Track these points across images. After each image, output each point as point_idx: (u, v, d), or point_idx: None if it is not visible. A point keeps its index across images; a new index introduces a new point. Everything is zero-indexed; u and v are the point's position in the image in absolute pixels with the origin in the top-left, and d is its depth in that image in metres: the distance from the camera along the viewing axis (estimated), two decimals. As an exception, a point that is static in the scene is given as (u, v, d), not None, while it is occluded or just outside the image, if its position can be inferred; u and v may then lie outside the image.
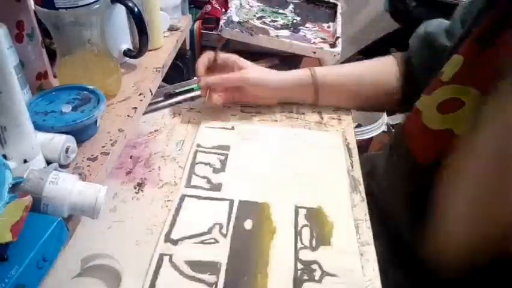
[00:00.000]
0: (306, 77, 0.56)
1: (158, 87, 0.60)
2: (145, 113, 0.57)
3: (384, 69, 0.57)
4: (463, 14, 0.49)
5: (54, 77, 0.46)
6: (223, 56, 0.57)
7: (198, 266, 0.38)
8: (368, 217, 0.44)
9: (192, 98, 0.63)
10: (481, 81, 0.38)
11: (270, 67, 0.72)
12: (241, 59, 0.57)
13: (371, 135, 1.16)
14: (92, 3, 0.40)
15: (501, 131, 0.32)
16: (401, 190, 0.49)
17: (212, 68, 0.56)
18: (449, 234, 0.37)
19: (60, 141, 0.35)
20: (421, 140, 0.45)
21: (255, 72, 0.55)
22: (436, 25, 0.53)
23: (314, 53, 0.68)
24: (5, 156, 0.31)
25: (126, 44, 0.53)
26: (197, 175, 0.49)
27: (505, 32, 0.37)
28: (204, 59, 0.56)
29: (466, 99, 0.40)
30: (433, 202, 0.39)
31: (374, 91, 0.57)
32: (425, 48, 0.53)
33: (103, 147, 0.40)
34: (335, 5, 0.86)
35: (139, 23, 0.47)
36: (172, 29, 0.64)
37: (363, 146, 1.18)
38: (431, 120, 0.43)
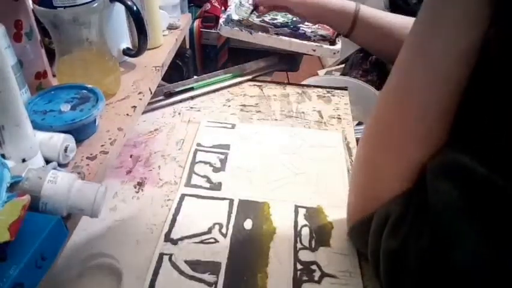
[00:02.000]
0: (350, 8, 0.58)
1: (158, 86, 0.60)
2: (144, 112, 0.56)
3: None
4: None
5: (54, 76, 0.46)
6: None
7: (197, 265, 0.38)
8: (368, 216, 0.44)
9: (192, 97, 0.62)
10: None
11: (270, 66, 0.72)
12: None
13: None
14: (90, 1, 0.40)
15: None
16: None
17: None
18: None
19: (59, 140, 0.35)
20: None
21: None
22: None
23: (314, 50, 0.68)
24: (3, 155, 0.31)
25: (125, 43, 0.53)
26: (197, 174, 0.49)
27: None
28: None
29: None
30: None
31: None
32: None
33: (102, 146, 0.40)
34: (335, 3, 0.86)
35: (138, 21, 0.47)
36: (171, 27, 0.64)
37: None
38: None
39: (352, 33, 0.59)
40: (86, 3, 0.40)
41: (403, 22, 0.59)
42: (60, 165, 0.35)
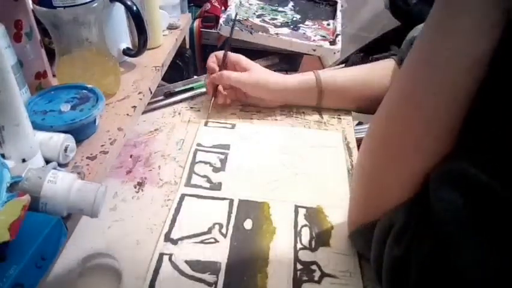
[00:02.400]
0: (310, 80, 0.56)
1: (158, 86, 0.60)
2: (144, 112, 0.56)
3: (385, 72, 0.57)
4: None
5: (54, 76, 0.46)
6: (231, 55, 0.57)
7: (197, 265, 0.38)
8: (368, 216, 0.44)
9: (192, 97, 0.62)
10: None
11: (270, 65, 0.72)
12: (244, 59, 0.57)
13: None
14: (90, 1, 0.40)
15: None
16: None
17: (220, 68, 0.57)
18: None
19: (59, 140, 0.35)
20: None
21: (254, 76, 0.55)
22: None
23: (314, 50, 0.68)
24: (3, 155, 0.31)
25: (125, 43, 0.53)
26: (197, 174, 0.49)
27: None
28: (213, 58, 0.57)
29: None
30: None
31: (377, 94, 0.57)
32: None
33: (102, 146, 0.40)
34: (334, 3, 0.86)
35: (138, 21, 0.47)
36: (171, 27, 0.64)
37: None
38: None
39: (322, 102, 0.57)
40: (86, 3, 0.40)
41: (368, 72, 0.58)
42: (60, 165, 0.35)
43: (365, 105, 0.59)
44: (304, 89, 0.56)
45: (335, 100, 0.58)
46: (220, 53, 0.57)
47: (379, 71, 0.58)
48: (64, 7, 0.39)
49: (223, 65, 0.57)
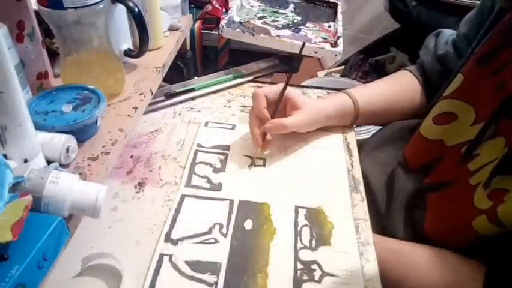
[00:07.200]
0: (349, 106, 0.55)
1: (159, 87, 0.60)
2: (145, 113, 0.57)
3: (410, 88, 0.58)
4: (468, 31, 0.52)
5: (55, 76, 0.46)
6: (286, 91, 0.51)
7: (198, 265, 0.39)
8: (367, 216, 0.44)
9: (193, 98, 0.63)
10: (476, 98, 0.42)
11: (271, 66, 0.72)
12: (299, 97, 0.51)
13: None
14: (95, 3, 0.40)
15: None
16: (380, 180, 0.51)
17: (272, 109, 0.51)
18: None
19: (61, 140, 0.35)
20: (415, 146, 0.49)
21: (307, 116, 0.51)
22: (445, 43, 0.56)
23: (315, 52, 0.68)
24: (5, 156, 0.31)
25: (127, 44, 0.53)
26: (197, 175, 0.49)
27: (503, 53, 0.40)
28: (263, 102, 0.50)
29: (460, 113, 0.43)
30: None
31: (404, 112, 0.58)
32: (439, 66, 0.56)
33: (103, 146, 0.40)
34: (335, 5, 0.86)
35: (139, 22, 0.47)
36: (172, 28, 0.64)
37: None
38: (426, 130, 0.47)
39: (355, 122, 0.57)
40: (91, 4, 0.40)
41: (396, 92, 0.58)
42: (61, 165, 0.36)
43: (389, 120, 0.59)
44: (344, 115, 0.55)
45: (365, 121, 0.58)
46: (271, 93, 0.50)
47: (406, 87, 0.58)
48: (68, 8, 0.39)
49: (276, 108, 0.50)
